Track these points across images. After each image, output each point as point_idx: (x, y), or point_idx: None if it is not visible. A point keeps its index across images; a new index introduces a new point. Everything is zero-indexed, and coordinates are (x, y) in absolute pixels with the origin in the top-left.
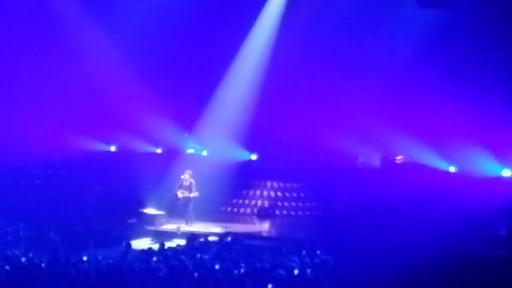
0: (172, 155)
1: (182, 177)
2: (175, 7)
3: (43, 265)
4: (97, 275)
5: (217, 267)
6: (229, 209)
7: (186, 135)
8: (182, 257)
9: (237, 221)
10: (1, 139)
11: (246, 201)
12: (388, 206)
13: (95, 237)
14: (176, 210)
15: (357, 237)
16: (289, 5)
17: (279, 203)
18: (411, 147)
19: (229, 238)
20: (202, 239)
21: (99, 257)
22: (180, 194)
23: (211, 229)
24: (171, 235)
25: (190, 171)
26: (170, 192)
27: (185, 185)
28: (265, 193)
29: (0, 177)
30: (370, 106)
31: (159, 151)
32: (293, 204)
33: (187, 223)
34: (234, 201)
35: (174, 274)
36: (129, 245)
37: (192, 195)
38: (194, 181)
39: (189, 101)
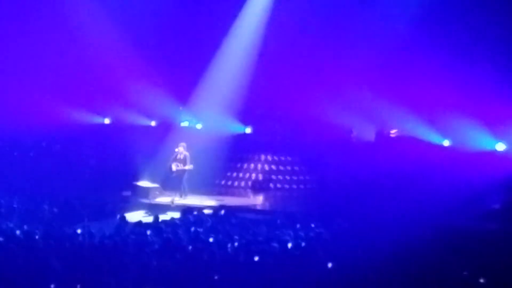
0: (167, 128)
1: (176, 150)
2: None
3: (37, 237)
4: (92, 248)
5: (211, 240)
6: (223, 182)
7: (180, 108)
8: (176, 230)
9: (231, 194)
10: None
11: (241, 175)
12: (382, 179)
13: (89, 209)
14: (170, 183)
15: (351, 211)
16: None
17: (273, 177)
18: (405, 121)
19: (223, 211)
20: (196, 212)
21: (93, 230)
22: (174, 167)
23: (205, 202)
24: (165, 208)
25: (184, 144)
26: (164, 165)
27: (180, 158)
28: (259, 166)
29: None
30: (364, 79)
31: (153, 123)
32: (287, 177)
33: (181, 196)
34: (228, 174)
35: (168, 247)
36: (124, 218)
37: (186, 167)
38: (189, 154)
39: (184, 74)
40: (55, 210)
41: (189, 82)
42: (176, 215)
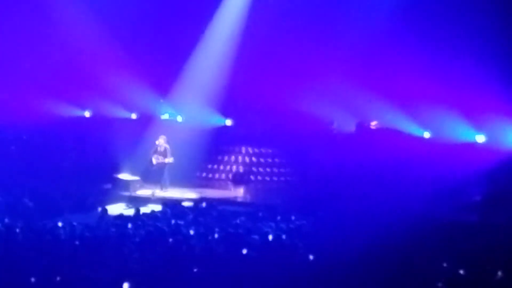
0: (147, 121)
1: (156, 142)
2: None
3: (17, 230)
4: (72, 241)
5: (191, 232)
6: (203, 174)
7: (161, 100)
8: (157, 223)
9: (212, 186)
10: None
11: (221, 167)
12: (363, 171)
13: (70, 202)
14: (151, 175)
15: (332, 202)
16: None
17: (254, 169)
18: (385, 112)
19: (203, 204)
20: (177, 205)
21: (74, 223)
22: (154, 159)
23: (186, 194)
24: (146, 200)
25: (164, 137)
26: (145, 158)
27: (160, 151)
28: (240, 158)
29: None
30: (345, 71)
31: (134, 116)
32: (268, 169)
33: (162, 189)
34: (209, 166)
35: (150, 240)
36: (105, 210)
37: (166, 160)
38: (169, 147)
39: (164, 66)
40: (36, 203)
41: (170, 74)
42: (157, 207)
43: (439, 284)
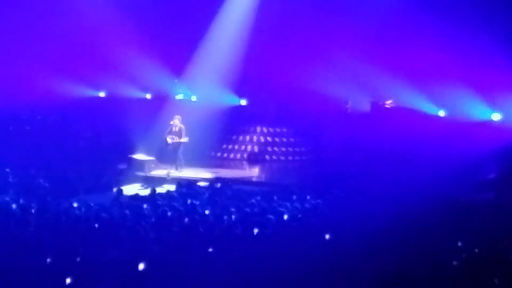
0: (162, 101)
1: (171, 122)
2: None
3: (33, 211)
4: (88, 221)
5: (207, 212)
6: (219, 154)
7: (175, 80)
8: (173, 202)
9: (227, 166)
10: None
11: (236, 147)
12: (377, 150)
13: (85, 183)
14: (166, 155)
15: (347, 181)
16: None
17: (269, 148)
18: (400, 91)
19: (219, 184)
20: (192, 185)
21: (90, 203)
22: (169, 139)
23: (201, 174)
24: (161, 180)
25: (179, 116)
26: (160, 138)
27: (175, 131)
28: (255, 138)
29: None
30: (359, 50)
31: (148, 96)
32: (283, 149)
33: (177, 169)
34: (224, 146)
35: (165, 220)
36: (120, 191)
37: (181, 140)
38: (184, 127)
39: (179, 46)
40: (51, 183)
41: (184, 54)
42: (172, 187)
43: (455, 263)
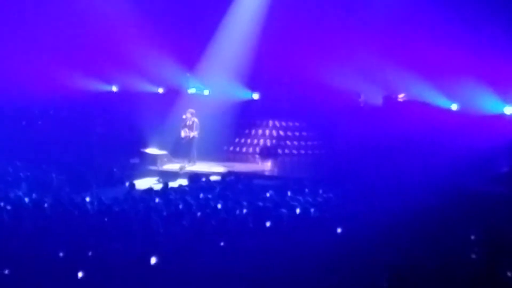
0: (174, 95)
1: (184, 116)
2: None
3: (46, 205)
4: (100, 215)
5: (219, 206)
6: (231, 148)
7: (188, 74)
8: (185, 197)
9: (240, 160)
10: (3, 80)
11: (249, 141)
12: (390, 144)
13: (97, 177)
14: (180, 149)
15: (359, 175)
16: None
17: (281, 142)
18: (413, 85)
19: (231, 178)
20: (204, 179)
21: (102, 197)
22: (183, 133)
23: (214, 168)
24: (174, 175)
25: (192, 110)
26: (173, 132)
27: (189, 124)
28: (267, 132)
29: (2, 118)
30: (372, 43)
31: (161, 90)
32: (295, 143)
33: (190, 163)
34: (237, 140)
35: (177, 214)
36: (132, 185)
37: (191, 134)
38: (197, 120)
39: (191, 40)
40: (63, 178)
41: (196, 48)
42: (185, 182)
43: (473, 256)
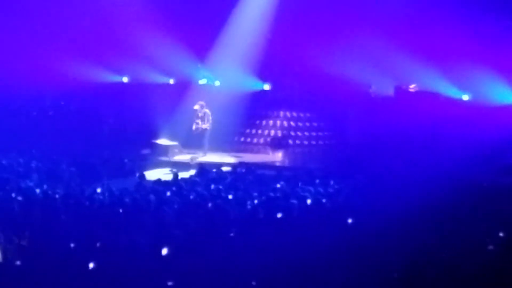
0: (185, 86)
1: (194, 108)
2: None
3: (57, 196)
4: (111, 206)
5: (230, 197)
6: (242, 139)
7: (198, 65)
8: (196, 187)
9: (250, 151)
10: (14, 71)
11: (259, 131)
12: (401, 135)
13: (108, 168)
14: (191, 141)
15: (370, 166)
16: None
17: (292, 133)
18: (424, 75)
19: (242, 169)
20: (215, 170)
21: (113, 189)
22: (194, 125)
23: (225, 159)
24: (185, 165)
25: (202, 102)
26: (184, 123)
27: (200, 116)
28: (278, 123)
29: (14, 110)
30: (383, 33)
31: (171, 81)
32: (306, 133)
33: (201, 154)
34: (247, 131)
35: (188, 205)
36: (143, 176)
37: (204, 126)
38: (209, 111)
39: (202, 31)
40: (74, 169)
41: (207, 38)
42: (196, 172)
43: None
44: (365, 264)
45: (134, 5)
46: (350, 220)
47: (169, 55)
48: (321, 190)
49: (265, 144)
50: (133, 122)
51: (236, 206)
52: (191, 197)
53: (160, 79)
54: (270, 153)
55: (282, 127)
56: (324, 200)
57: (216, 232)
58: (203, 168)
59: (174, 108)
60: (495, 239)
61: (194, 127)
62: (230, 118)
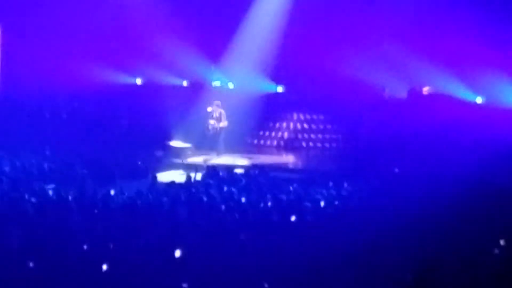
0: (198, 88)
1: (209, 109)
2: None
3: (70, 198)
4: (124, 208)
5: (243, 199)
6: (255, 141)
7: (212, 67)
8: (209, 190)
9: (264, 153)
10: (28, 72)
11: (273, 133)
12: (415, 137)
13: (121, 170)
14: (205, 142)
15: (383, 169)
16: None
17: (306, 135)
18: (438, 78)
19: (255, 171)
20: (228, 172)
21: (126, 190)
22: (210, 125)
23: (238, 161)
24: (198, 167)
25: (218, 102)
26: (197, 125)
27: (215, 117)
28: (291, 125)
29: (27, 111)
30: (396, 36)
31: (185, 83)
32: (320, 136)
33: (217, 155)
34: (261, 133)
35: (201, 207)
36: (156, 178)
37: (221, 125)
38: (224, 111)
39: (216, 32)
40: (88, 170)
41: (221, 40)
42: (209, 174)
43: (496, 251)
44: (377, 266)
45: (148, 7)
46: (363, 223)
47: (182, 57)
48: (334, 192)
49: (279, 146)
50: (147, 124)
51: (249, 208)
52: (204, 199)
53: (174, 81)
54: (284, 155)
55: (295, 130)
56: (337, 203)
57: (229, 234)
58: (216, 170)
59: (188, 110)
60: (509, 242)
61: (210, 127)
62: (244, 120)
